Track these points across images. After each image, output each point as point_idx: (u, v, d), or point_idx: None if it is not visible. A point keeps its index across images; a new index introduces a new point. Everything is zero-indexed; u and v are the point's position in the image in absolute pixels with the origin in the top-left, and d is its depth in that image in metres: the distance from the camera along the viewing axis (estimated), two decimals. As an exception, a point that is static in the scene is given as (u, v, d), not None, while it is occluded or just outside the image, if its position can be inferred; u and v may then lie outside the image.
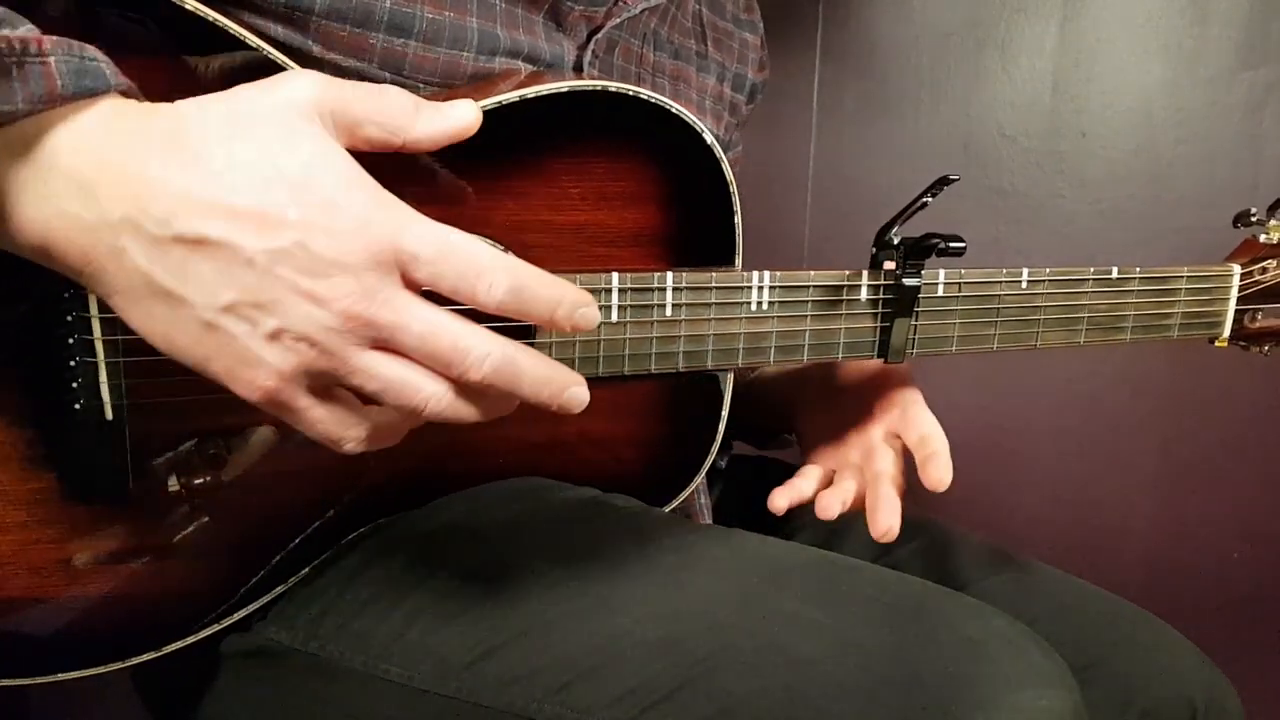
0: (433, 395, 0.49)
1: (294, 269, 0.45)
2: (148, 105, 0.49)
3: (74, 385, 0.60)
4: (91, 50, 0.47)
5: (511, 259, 0.49)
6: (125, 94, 0.49)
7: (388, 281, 0.47)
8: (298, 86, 0.49)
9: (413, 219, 0.48)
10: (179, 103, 0.49)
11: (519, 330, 0.71)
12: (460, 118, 0.54)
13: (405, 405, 0.49)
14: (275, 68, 0.61)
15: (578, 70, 0.80)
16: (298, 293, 0.46)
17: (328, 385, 0.49)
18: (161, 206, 0.45)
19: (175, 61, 0.59)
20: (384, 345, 0.48)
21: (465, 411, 0.50)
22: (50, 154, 0.46)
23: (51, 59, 0.45)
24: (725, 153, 0.74)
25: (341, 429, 0.50)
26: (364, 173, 0.48)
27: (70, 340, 0.59)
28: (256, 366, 0.47)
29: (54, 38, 0.46)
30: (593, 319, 0.52)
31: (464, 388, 0.49)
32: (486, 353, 0.48)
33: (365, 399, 0.50)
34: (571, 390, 0.51)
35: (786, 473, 0.87)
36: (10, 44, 0.44)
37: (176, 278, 0.46)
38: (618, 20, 0.80)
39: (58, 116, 0.46)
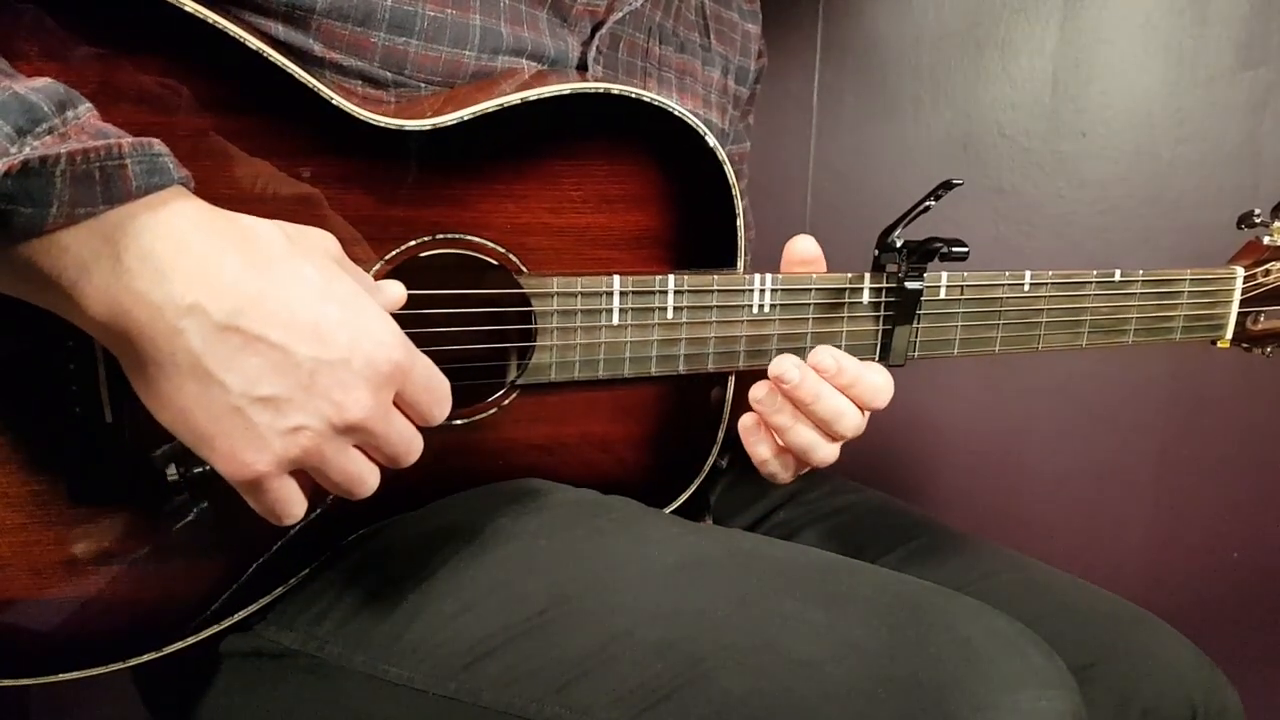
0: (372, 486, 0.58)
1: (332, 380, 0.53)
2: (210, 206, 0.53)
3: (74, 388, 0.60)
4: (159, 145, 0.51)
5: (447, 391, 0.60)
6: (184, 184, 0.52)
7: (390, 397, 0.56)
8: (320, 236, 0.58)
9: (417, 353, 0.58)
10: (241, 215, 0.54)
11: (521, 334, 0.71)
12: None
13: (351, 491, 0.57)
14: (276, 70, 0.62)
15: (582, 68, 0.79)
16: (328, 400, 0.53)
17: (300, 473, 0.56)
18: (232, 303, 0.50)
19: (175, 64, 0.59)
20: (364, 447, 0.57)
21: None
22: (131, 239, 0.49)
23: (129, 161, 0.49)
24: (728, 146, 0.73)
25: (291, 507, 0.56)
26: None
27: (70, 343, 0.59)
28: (261, 452, 0.53)
29: (130, 139, 0.49)
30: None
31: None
32: (418, 451, 0.59)
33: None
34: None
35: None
36: (98, 152, 0.47)
37: (224, 365, 0.51)
38: (620, 14, 0.80)
39: (139, 207, 0.50)
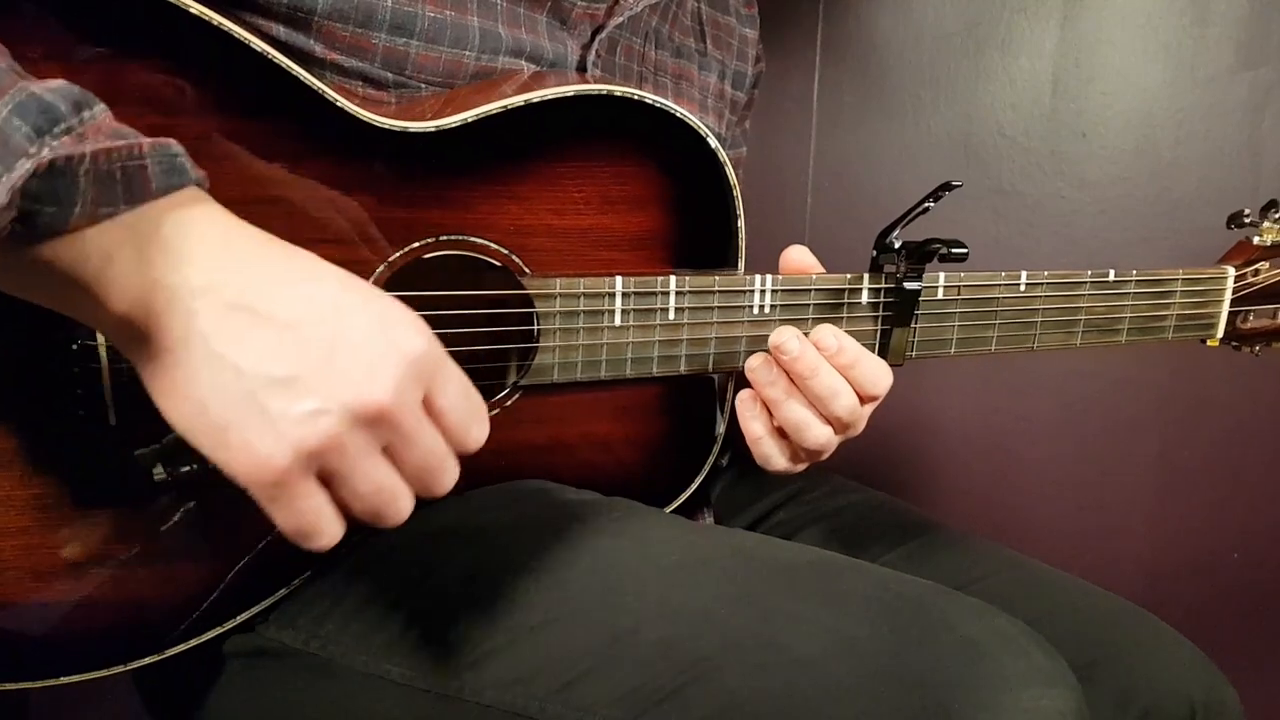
0: (405, 507, 0.52)
1: (351, 359, 0.48)
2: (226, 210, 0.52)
3: (78, 392, 0.60)
4: (175, 145, 0.50)
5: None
6: (199, 184, 0.51)
7: (418, 393, 0.51)
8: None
9: (451, 360, 0.53)
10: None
11: (523, 335, 0.71)
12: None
13: (377, 513, 0.51)
14: (280, 71, 0.62)
15: (581, 70, 0.80)
16: (347, 382, 0.48)
17: (324, 481, 0.50)
18: (244, 280, 0.49)
19: (178, 65, 0.59)
20: (391, 451, 0.51)
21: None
22: (150, 232, 0.48)
23: (149, 161, 0.48)
24: (726, 152, 0.74)
25: (320, 522, 0.50)
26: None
27: (74, 346, 0.59)
28: (278, 442, 0.47)
29: (149, 140, 0.49)
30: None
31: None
32: (454, 478, 0.54)
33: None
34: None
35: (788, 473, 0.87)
36: (119, 152, 0.47)
37: (235, 344, 0.48)
38: (620, 19, 0.80)
39: (163, 205, 0.49)
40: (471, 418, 0.54)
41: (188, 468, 0.61)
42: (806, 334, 0.73)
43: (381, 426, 0.49)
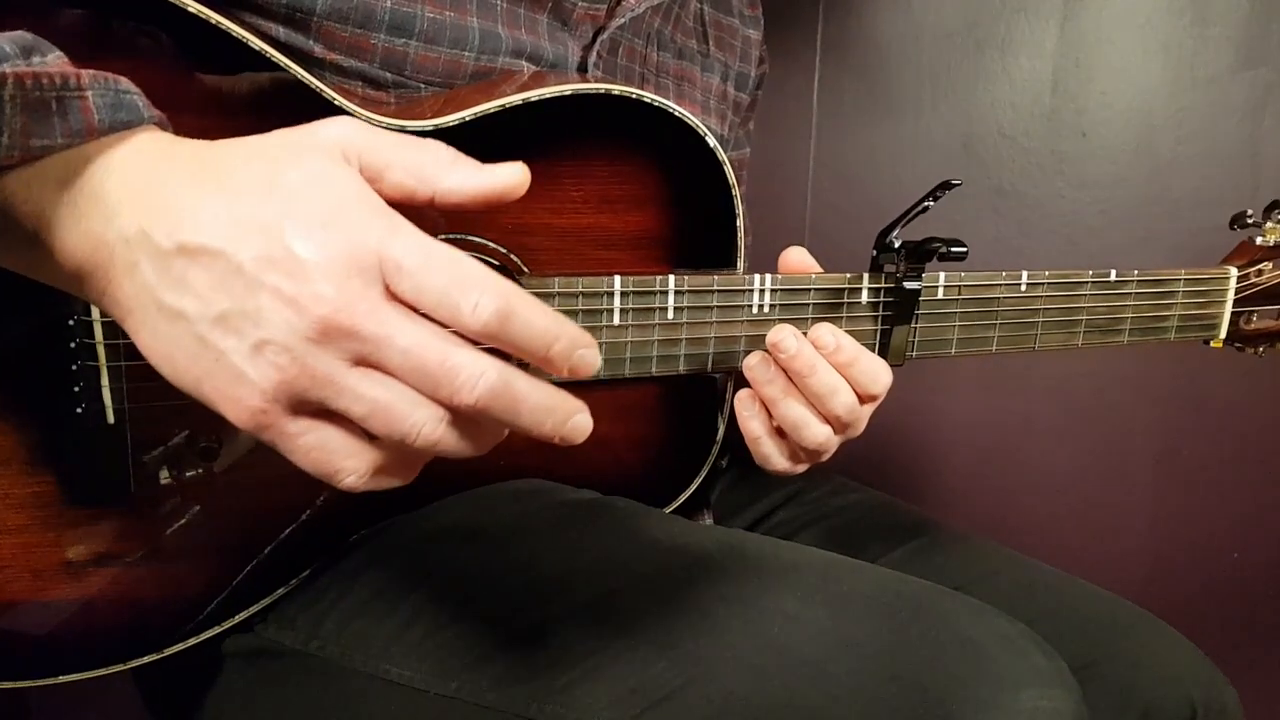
0: (422, 422, 0.44)
1: (281, 274, 0.43)
2: (179, 138, 0.49)
3: (76, 389, 0.60)
4: (126, 83, 0.47)
5: (507, 283, 0.45)
6: (158, 125, 0.49)
7: (371, 291, 0.44)
8: (329, 126, 0.48)
9: (403, 227, 0.45)
10: (206, 141, 0.48)
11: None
12: (505, 178, 0.50)
13: (393, 433, 0.45)
14: (280, 71, 0.62)
15: (582, 71, 0.80)
16: (281, 299, 0.43)
17: (317, 411, 0.45)
18: (170, 219, 0.44)
19: (177, 64, 0.59)
20: (369, 362, 0.44)
21: (458, 444, 0.46)
22: (84, 180, 0.46)
23: (89, 93, 0.46)
24: (728, 152, 0.73)
25: (335, 458, 0.46)
26: (370, 190, 0.46)
27: (72, 344, 0.59)
28: (242, 385, 0.44)
29: (91, 71, 0.46)
30: (593, 363, 0.47)
31: (457, 415, 0.45)
32: (480, 373, 0.44)
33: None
34: (575, 420, 0.47)
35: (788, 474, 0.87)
36: (51, 79, 0.44)
37: (177, 291, 0.44)
38: (622, 20, 0.80)
39: (94, 148, 0.46)
40: (461, 286, 0.44)
41: (194, 471, 0.61)
42: (805, 334, 0.73)
43: (338, 339, 0.43)
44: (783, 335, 0.72)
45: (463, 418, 0.45)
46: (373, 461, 0.46)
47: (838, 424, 0.74)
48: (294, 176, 0.45)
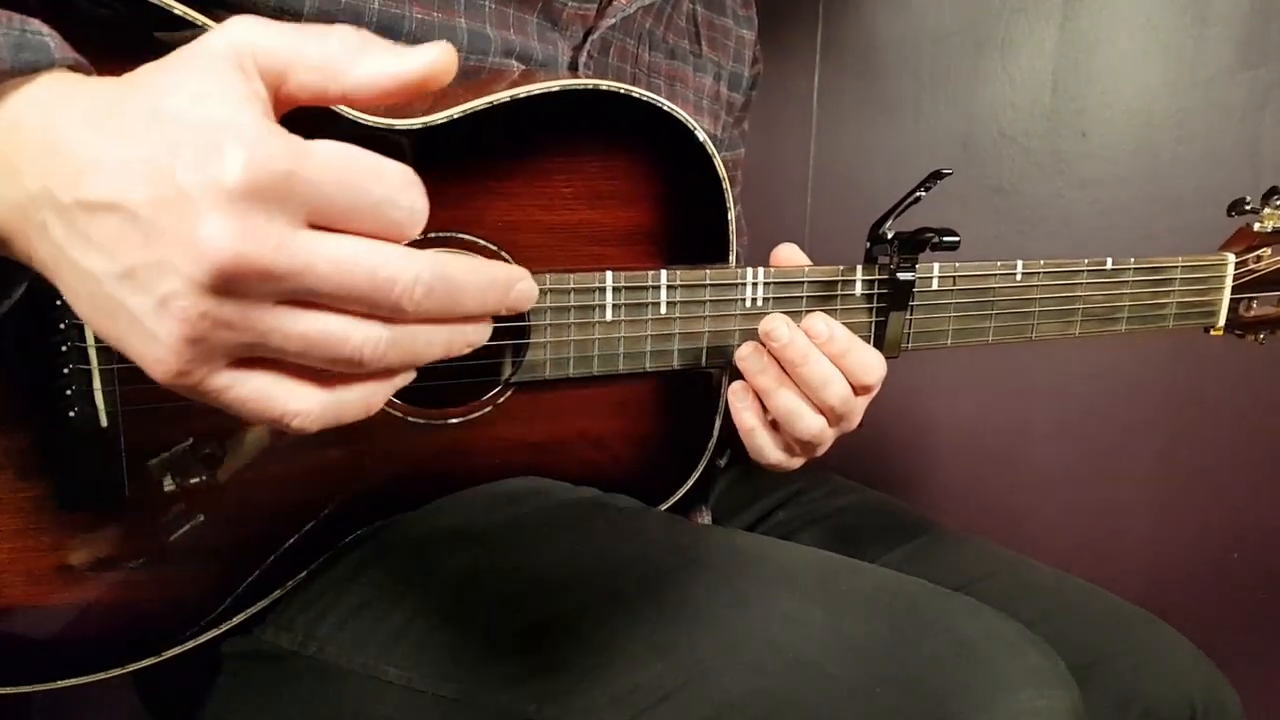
0: (366, 341, 0.41)
1: (176, 217, 0.38)
2: (85, 78, 0.44)
3: (68, 393, 0.60)
4: (35, 24, 0.44)
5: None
6: (73, 69, 0.45)
7: (279, 221, 0.39)
8: (219, 31, 0.42)
9: (313, 144, 0.40)
10: (106, 78, 0.43)
11: (515, 332, 0.71)
12: (426, 59, 0.43)
13: (339, 360, 0.41)
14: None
15: (572, 70, 0.79)
16: (180, 244, 0.38)
17: (249, 359, 0.41)
18: (68, 173, 0.40)
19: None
20: (291, 297, 0.40)
21: (411, 353, 0.42)
22: None
23: None
24: (721, 153, 0.73)
25: (276, 404, 0.42)
26: (259, 102, 0.41)
27: (64, 348, 0.59)
28: (156, 344, 0.40)
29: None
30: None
31: (401, 323, 0.42)
32: (415, 276, 0.40)
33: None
34: (518, 287, 0.44)
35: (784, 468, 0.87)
36: None
37: (83, 248, 0.40)
38: (612, 20, 0.80)
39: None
40: (381, 189, 0.40)
41: (197, 478, 0.61)
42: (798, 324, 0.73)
43: (249, 280, 0.39)
44: (775, 324, 0.72)
45: (408, 325, 0.42)
46: (321, 399, 0.42)
47: (832, 415, 0.73)
48: (178, 99, 0.40)
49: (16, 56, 0.43)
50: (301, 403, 0.42)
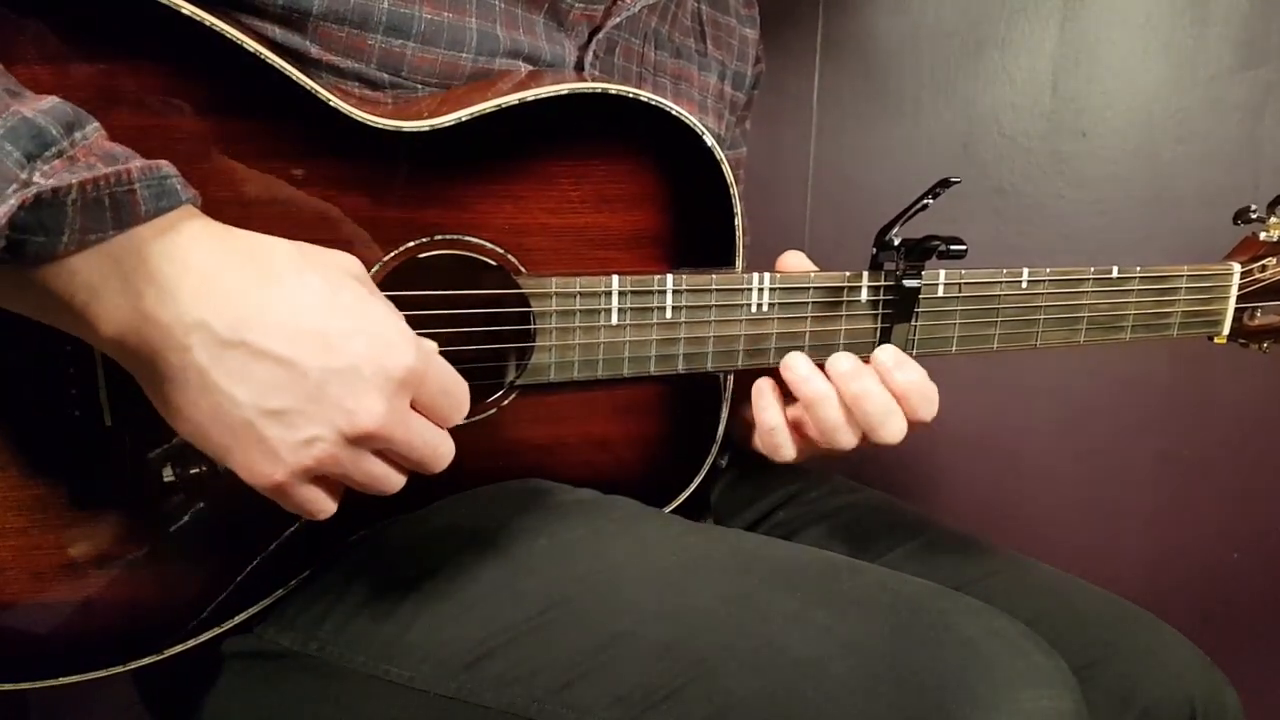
0: (397, 483, 0.58)
1: (342, 389, 0.52)
2: (220, 225, 0.54)
3: (73, 392, 0.60)
4: (167, 167, 0.51)
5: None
6: (192, 203, 0.52)
7: (405, 404, 0.55)
8: (345, 257, 0.57)
9: (430, 348, 0.57)
10: (251, 233, 0.55)
11: (520, 334, 0.71)
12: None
13: (372, 490, 0.57)
14: (274, 72, 0.61)
15: (579, 70, 0.79)
16: (339, 409, 0.53)
17: (321, 479, 0.56)
18: (235, 315, 0.51)
19: (172, 66, 0.59)
20: (384, 453, 0.56)
21: (397, 484, 0.59)
22: (140, 262, 0.50)
23: (138, 186, 0.49)
24: (725, 152, 0.73)
25: (312, 507, 0.56)
26: (395, 308, 0.57)
27: (68, 347, 0.59)
28: (277, 464, 0.53)
29: (140, 163, 0.50)
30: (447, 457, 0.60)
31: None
32: (449, 453, 0.59)
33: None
34: (442, 454, 0.59)
35: (786, 472, 0.87)
36: (108, 180, 0.48)
37: (232, 378, 0.51)
38: (618, 19, 0.80)
39: (149, 231, 0.50)
40: (452, 407, 0.59)
41: (197, 469, 0.61)
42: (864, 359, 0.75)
43: (373, 441, 0.55)
44: (845, 365, 0.74)
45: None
46: (337, 503, 0.58)
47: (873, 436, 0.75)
48: (347, 297, 0.54)
49: (157, 205, 0.50)
50: (331, 507, 0.57)
